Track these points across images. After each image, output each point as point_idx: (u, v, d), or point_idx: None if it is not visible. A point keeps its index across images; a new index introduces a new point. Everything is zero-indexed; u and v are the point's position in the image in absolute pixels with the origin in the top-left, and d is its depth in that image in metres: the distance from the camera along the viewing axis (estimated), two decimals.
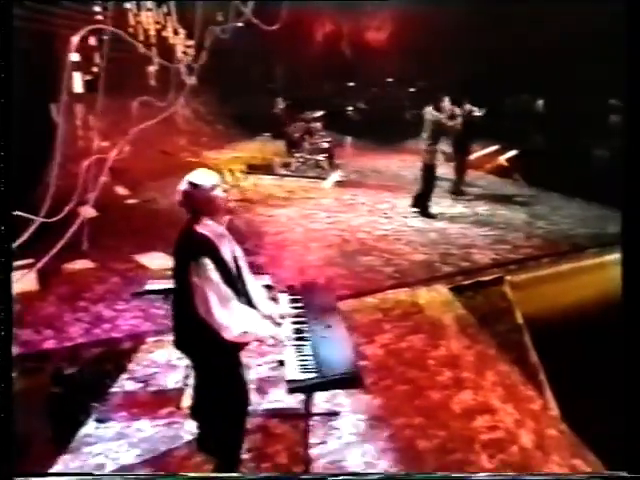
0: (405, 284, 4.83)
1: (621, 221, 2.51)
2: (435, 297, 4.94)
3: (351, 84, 17.88)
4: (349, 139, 12.78)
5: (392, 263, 5.20)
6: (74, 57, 8.65)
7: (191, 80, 12.75)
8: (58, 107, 8.11)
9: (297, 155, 8.59)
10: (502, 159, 12.70)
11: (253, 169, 8.76)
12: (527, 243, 5.91)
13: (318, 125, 8.85)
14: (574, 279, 6.03)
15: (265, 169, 8.61)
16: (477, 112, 7.51)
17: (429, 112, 6.55)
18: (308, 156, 8.60)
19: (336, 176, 8.68)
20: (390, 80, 17.80)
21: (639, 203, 2.53)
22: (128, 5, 9.92)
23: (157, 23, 11.23)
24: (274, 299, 2.91)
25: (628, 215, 2.56)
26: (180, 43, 12.25)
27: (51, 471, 2.80)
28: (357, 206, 7.11)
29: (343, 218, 6.57)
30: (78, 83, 8.63)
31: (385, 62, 16.89)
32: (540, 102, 16.16)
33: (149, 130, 10.95)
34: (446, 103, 7.13)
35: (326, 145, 8.86)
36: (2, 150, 2.49)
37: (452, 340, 4.30)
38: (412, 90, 17.49)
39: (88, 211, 6.93)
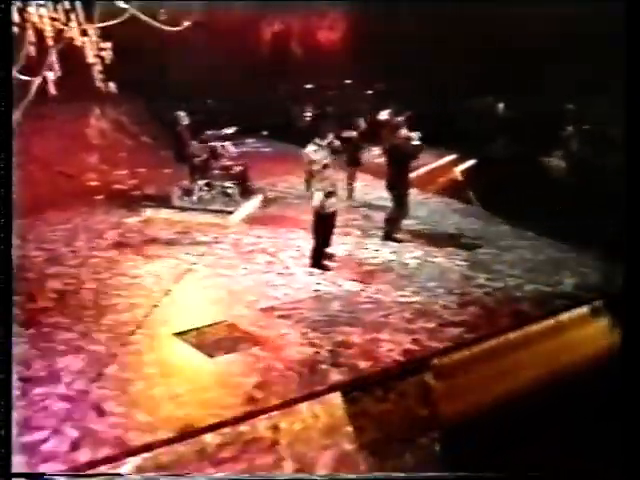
0: (267, 409, 3.17)
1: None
2: (318, 416, 3.29)
3: (309, 86, 16.12)
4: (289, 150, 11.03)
5: (260, 367, 3.50)
6: None
7: (109, 87, 10.86)
8: None
9: (200, 182, 6.81)
10: (458, 171, 11.09)
11: (148, 199, 6.95)
12: (458, 316, 4.23)
13: (228, 144, 7.07)
14: (517, 354, 4.46)
15: (162, 199, 6.82)
16: (415, 140, 5.77)
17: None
18: (217, 183, 6.83)
19: (249, 208, 6.92)
20: (348, 82, 16.08)
21: None
22: None
23: (54, 20, 9.27)
24: None
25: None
26: (92, 45, 10.32)
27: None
28: (255, 256, 5.39)
29: (227, 279, 4.82)
30: None
31: (339, 63, 15.11)
32: (500, 105, 14.59)
33: (50, 148, 9.08)
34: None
35: (238, 169, 7.09)
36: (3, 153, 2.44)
37: None
38: (369, 92, 15.82)
39: None
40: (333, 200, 4.91)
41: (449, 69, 13.42)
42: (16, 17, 8.19)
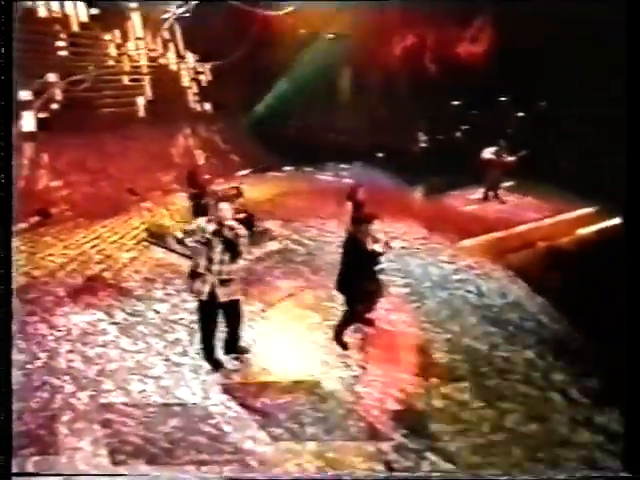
0: None
1: None
2: None
3: (455, 103, 14.67)
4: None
5: None
6: (24, 95, 8.41)
7: (204, 107, 11.72)
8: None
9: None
10: (583, 232, 8.32)
11: (151, 236, 7.24)
12: None
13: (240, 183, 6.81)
14: None
15: (162, 239, 6.99)
16: (379, 244, 4.54)
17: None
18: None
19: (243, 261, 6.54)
20: (504, 99, 14.08)
21: None
22: (108, 37, 9.24)
23: (152, 51, 10.41)
24: None
25: None
26: (188, 69, 11.27)
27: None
28: (173, 328, 4.98)
29: (117, 352, 4.60)
30: (29, 122, 8.33)
31: (483, 79, 13.20)
32: None
33: (128, 167, 10.31)
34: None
35: (242, 215, 6.75)
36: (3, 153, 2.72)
37: None
38: (520, 115, 13.58)
39: None
40: (230, 289, 4.24)
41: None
42: (114, 51, 9.55)
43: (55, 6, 7.95)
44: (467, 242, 7.75)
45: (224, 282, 4.19)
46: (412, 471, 3.42)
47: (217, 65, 10.64)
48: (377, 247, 4.50)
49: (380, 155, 12.94)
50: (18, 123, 8.14)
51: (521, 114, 13.65)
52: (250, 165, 11.15)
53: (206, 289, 4.16)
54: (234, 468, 3.38)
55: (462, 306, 5.67)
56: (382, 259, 4.60)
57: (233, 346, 4.56)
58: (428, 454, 3.55)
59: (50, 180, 8.62)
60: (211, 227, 4.15)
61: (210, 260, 4.12)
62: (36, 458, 3.44)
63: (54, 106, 8.54)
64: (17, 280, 5.85)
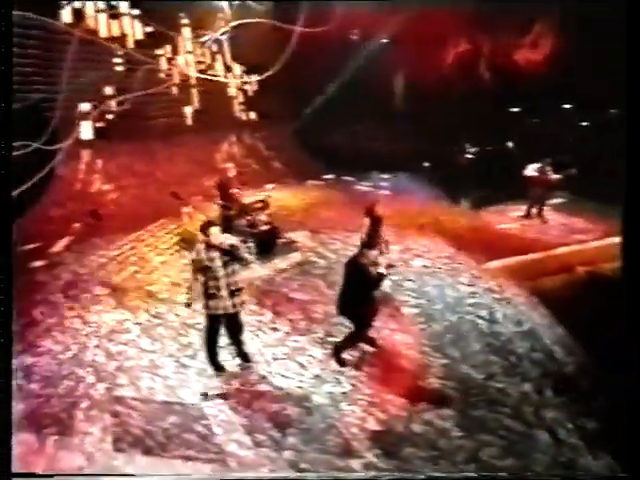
0: None
1: None
2: None
3: (515, 110, 14.42)
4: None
5: None
6: (84, 107, 9.45)
7: (249, 115, 12.37)
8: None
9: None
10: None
11: (183, 241, 7.92)
12: None
13: (267, 196, 7.27)
14: None
15: (193, 245, 7.62)
16: (382, 267, 4.89)
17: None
18: (240, 238, 7.19)
19: (260, 271, 7.03)
20: (568, 107, 13.67)
21: None
22: (159, 51, 10.08)
23: (200, 63, 11.16)
24: None
25: None
26: (234, 80, 11.93)
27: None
28: (187, 332, 5.58)
29: (134, 351, 5.24)
30: (87, 131, 9.35)
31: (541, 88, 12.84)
32: None
33: (175, 172, 11.15)
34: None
35: (265, 227, 7.26)
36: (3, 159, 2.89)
37: None
38: (585, 124, 13.11)
39: None
40: (240, 298, 4.75)
41: None
42: (164, 65, 10.40)
43: (115, 27, 8.83)
44: (494, 263, 7.70)
45: (235, 293, 4.70)
46: None
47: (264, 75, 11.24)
48: (381, 269, 4.79)
49: (426, 165, 13.01)
50: (77, 131, 9.20)
51: (585, 123, 13.14)
52: (293, 172, 11.70)
53: (222, 304, 4.66)
54: (215, 467, 3.86)
55: (469, 332, 5.77)
56: (398, 278, 4.87)
57: (241, 352, 5.05)
58: (396, 474, 3.84)
59: (103, 184, 9.64)
60: (203, 255, 4.65)
61: (216, 279, 4.62)
62: (55, 437, 4.13)
63: (110, 116, 9.51)
64: (63, 276, 6.92)
